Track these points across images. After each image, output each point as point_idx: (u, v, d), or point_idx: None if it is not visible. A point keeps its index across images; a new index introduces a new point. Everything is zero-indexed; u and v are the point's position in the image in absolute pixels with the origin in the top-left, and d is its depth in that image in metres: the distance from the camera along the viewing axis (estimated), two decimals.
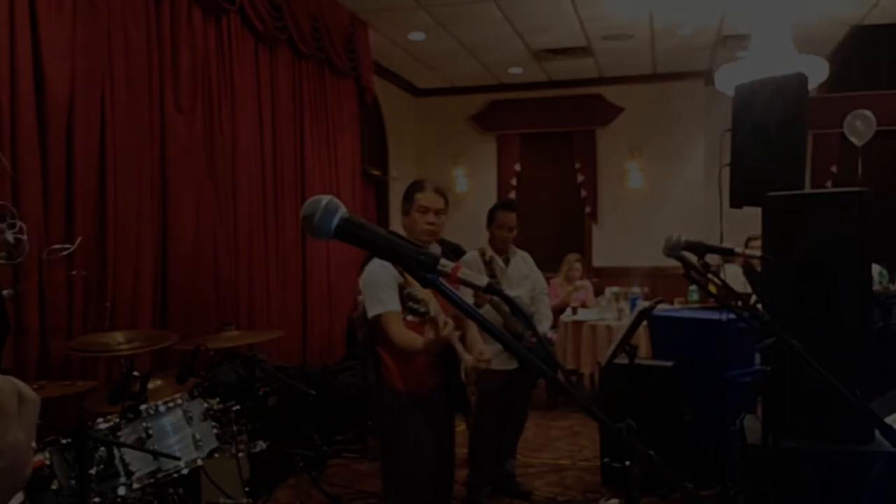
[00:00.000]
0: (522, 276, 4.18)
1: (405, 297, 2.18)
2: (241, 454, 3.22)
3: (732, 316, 2.80)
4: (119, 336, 3.17)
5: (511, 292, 3.63)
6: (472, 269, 1.17)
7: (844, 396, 2.05)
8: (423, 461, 2.86)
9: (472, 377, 2.91)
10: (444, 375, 2.83)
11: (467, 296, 2.96)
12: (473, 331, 3.00)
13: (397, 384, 2.86)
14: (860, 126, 6.74)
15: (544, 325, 4.30)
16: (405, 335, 2.69)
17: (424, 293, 2.36)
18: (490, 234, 4.17)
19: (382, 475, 3.05)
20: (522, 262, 4.24)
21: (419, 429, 2.84)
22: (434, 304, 2.43)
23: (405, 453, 2.87)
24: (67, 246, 3.19)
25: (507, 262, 4.15)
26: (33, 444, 0.67)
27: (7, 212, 2.84)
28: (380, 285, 2.70)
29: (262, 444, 3.33)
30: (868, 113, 6.74)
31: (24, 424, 0.65)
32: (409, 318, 2.40)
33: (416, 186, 2.93)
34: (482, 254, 4.12)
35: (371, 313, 2.75)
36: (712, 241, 2.62)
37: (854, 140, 6.82)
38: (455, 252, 4.54)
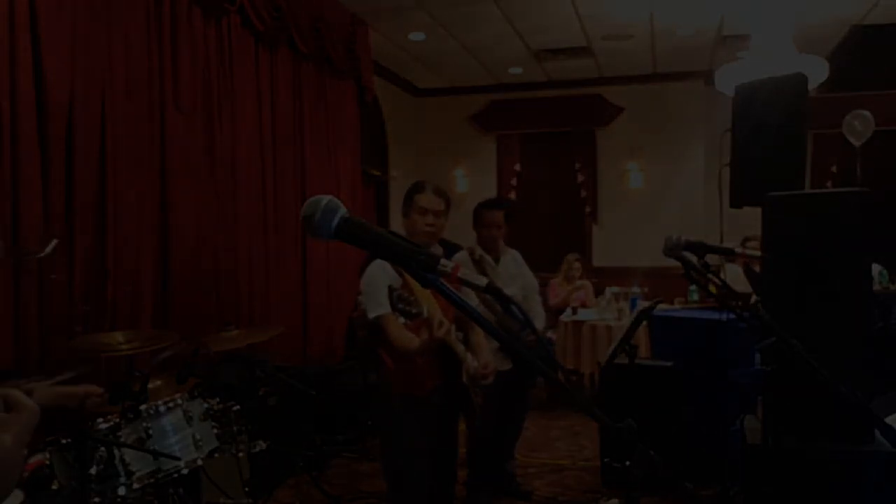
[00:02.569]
0: (513, 275, 4.14)
1: (395, 299, 2.17)
2: (241, 454, 3.22)
3: (732, 316, 2.80)
4: (119, 336, 3.17)
5: None
6: None
7: (844, 396, 2.05)
8: (422, 461, 2.86)
9: (478, 379, 2.90)
10: (445, 376, 2.83)
11: (468, 297, 2.95)
12: (479, 336, 3.00)
13: (397, 384, 2.86)
14: (858, 126, 6.74)
15: (538, 323, 4.29)
16: (402, 336, 2.70)
17: (421, 293, 2.36)
18: (477, 233, 4.13)
19: (384, 475, 3.05)
20: (513, 260, 4.22)
21: (418, 429, 2.84)
22: (431, 305, 2.42)
23: (404, 453, 2.88)
24: (41, 249, 3.07)
25: (497, 260, 4.12)
26: (24, 451, 0.66)
27: None
28: (379, 287, 2.70)
29: (262, 444, 3.33)
30: (866, 113, 6.73)
31: (12, 431, 0.64)
32: (402, 319, 2.41)
33: (415, 188, 2.93)
34: (471, 253, 4.09)
35: (371, 314, 2.76)
36: (712, 241, 2.62)
37: (852, 140, 6.82)
38: (455, 252, 4.53)
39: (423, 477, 2.87)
